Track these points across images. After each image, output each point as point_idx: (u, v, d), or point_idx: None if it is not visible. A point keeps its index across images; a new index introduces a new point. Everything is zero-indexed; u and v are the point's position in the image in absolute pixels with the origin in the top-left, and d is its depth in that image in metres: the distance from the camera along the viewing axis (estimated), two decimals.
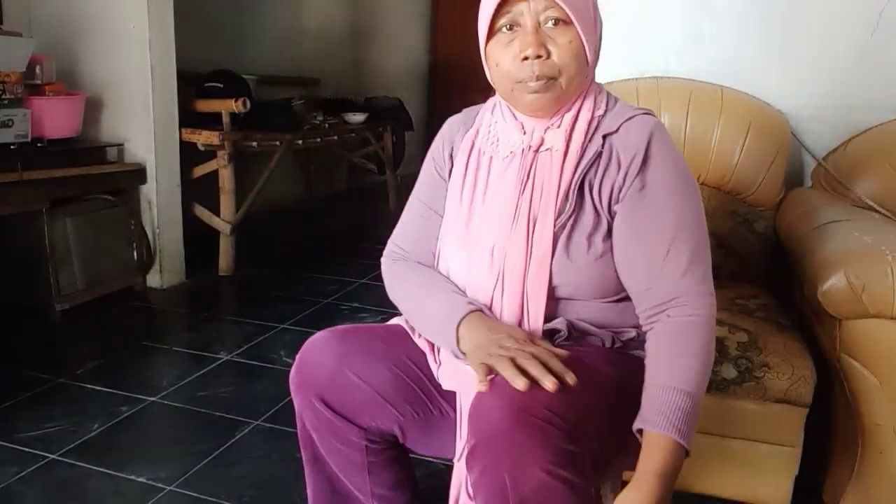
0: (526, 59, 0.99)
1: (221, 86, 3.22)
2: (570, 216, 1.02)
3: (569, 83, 1.02)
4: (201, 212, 3.16)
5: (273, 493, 1.56)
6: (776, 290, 1.74)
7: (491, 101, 1.15)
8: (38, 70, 2.54)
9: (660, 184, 1.01)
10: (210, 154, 3.07)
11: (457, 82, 5.98)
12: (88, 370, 2.14)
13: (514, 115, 1.09)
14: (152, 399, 1.97)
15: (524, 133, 1.07)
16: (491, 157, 1.10)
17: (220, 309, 2.80)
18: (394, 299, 1.17)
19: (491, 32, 1.02)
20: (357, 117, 4.15)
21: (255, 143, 3.19)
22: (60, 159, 2.51)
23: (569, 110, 1.06)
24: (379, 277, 1.23)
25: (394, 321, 1.21)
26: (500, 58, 1.02)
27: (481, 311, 1.03)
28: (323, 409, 1.09)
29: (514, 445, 0.83)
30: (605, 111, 1.07)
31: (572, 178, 1.02)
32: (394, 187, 4.65)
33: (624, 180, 1.02)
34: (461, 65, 5.81)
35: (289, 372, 1.13)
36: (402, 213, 1.22)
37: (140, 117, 2.80)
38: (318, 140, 3.77)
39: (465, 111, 1.20)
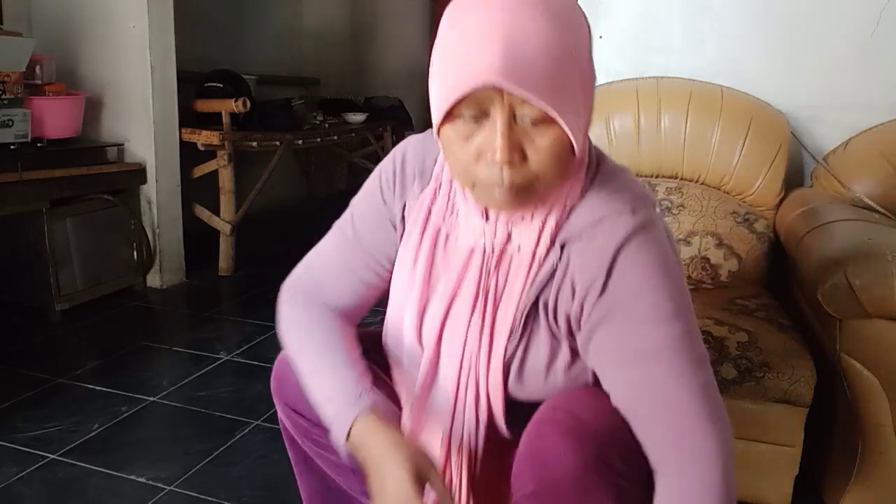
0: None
1: (221, 86, 3.21)
2: (518, 341, 0.85)
3: (547, 186, 0.78)
4: (201, 212, 3.15)
5: (273, 493, 1.56)
6: (776, 290, 1.74)
7: None
8: (38, 70, 2.54)
9: (631, 309, 0.80)
10: (210, 154, 3.06)
11: None
12: (88, 370, 2.14)
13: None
14: (152, 399, 1.97)
15: (486, 220, 0.85)
16: (448, 235, 0.90)
17: (220, 309, 2.80)
18: (283, 344, 0.99)
19: (449, 114, 0.76)
20: (357, 117, 4.15)
21: (255, 143, 3.18)
22: (60, 159, 2.51)
23: (544, 202, 0.83)
24: None
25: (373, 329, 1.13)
26: (458, 151, 0.77)
27: (370, 410, 0.86)
28: (298, 418, 1.05)
29: (584, 500, 0.75)
30: (580, 197, 0.83)
31: (529, 293, 0.84)
32: None
33: (581, 310, 0.82)
34: None
35: None
36: (328, 235, 1.04)
37: (140, 117, 2.80)
38: (318, 140, 3.76)
39: (424, 142, 0.99)
